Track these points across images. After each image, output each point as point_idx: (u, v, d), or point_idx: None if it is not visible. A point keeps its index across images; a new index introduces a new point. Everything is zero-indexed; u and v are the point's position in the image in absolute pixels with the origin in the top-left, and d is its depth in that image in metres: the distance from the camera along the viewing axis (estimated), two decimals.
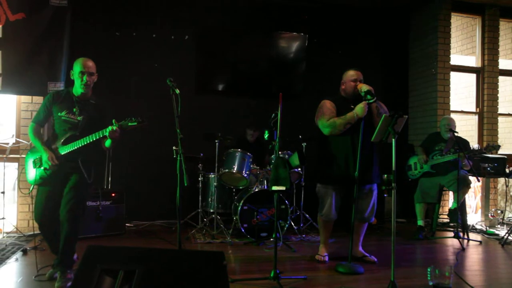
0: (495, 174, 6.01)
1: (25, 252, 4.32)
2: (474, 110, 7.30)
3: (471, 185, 5.64)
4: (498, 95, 7.19)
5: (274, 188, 3.53)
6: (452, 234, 5.42)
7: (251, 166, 5.33)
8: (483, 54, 7.21)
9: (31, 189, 3.79)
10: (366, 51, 7.18)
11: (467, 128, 7.64)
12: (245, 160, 5.27)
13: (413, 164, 5.83)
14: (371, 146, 4.06)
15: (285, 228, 5.13)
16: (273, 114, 3.86)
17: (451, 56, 6.95)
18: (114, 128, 3.31)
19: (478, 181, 5.45)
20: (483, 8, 7.14)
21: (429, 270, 3.22)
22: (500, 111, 7.24)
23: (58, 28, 5.18)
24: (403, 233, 5.69)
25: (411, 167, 5.86)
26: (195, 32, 6.33)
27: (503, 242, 5.24)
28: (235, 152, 5.32)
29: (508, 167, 6.15)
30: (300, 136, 5.46)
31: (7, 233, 5.04)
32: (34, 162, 3.56)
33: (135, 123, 3.34)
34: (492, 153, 5.80)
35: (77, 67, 3.50)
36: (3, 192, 4.93)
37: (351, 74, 4.19)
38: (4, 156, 4.98)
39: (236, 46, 6.50)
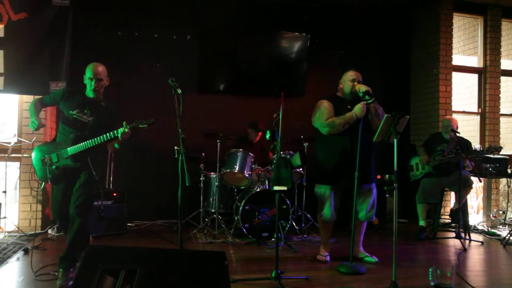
0: (497, 174, 6.00)
1: (26, 251, 4.32)
2: (476, 110, 7.29)
3: (473, 186, 5.63)
4: (500, 95, 7.18)
5: (276, 188, 3.53)
6: (453, 234, 5.41)
7: (253, 166, 5.33)
8: (485, 54, 7.20)
9: (42, 186, 3.92)
10: (368, 51, 7.17)
11: (469, 129, 7.63)
12: (246, 160, 5.27)
13: (415, 165, 5.82)
14: (369, 146, 4.09)
15: (287, 228, 5.13)
16: (275, 114, 3.86)
17: (453, 56, 6.94)
18: (126, 130, 3.41)
19: (480, 181, 5.44)
20: (485, 8, 7.13)
21: (430, 270, 3.22)
22: (502, 112, 7.23)
23: (60, 27, 5.18)
24: (404, 234, 5.69)
25: (413, 168, 5.85)
26: (197, 32, 6.33)
27: (504, 242, 5.23)
28: (237, 152, 5.32)
29: (510, 168, 6.14)
30: (302, 136, 5.46)
31: (8, 232, 5.04)
32: (43, 161, 3.63)
33: (146, 125, 3.44)
34: (494, 155, 5.79)
35: (87, 73, 3.66)
36: (4, 192, 4.93)
37: (350, 74, 4.21)
38: (6, 155, 4.98)
39: (238, 46, 6.50)
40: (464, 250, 4.93)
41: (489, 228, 6.19)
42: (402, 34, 7.42)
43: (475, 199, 7.00)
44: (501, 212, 6.61)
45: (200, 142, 5.52)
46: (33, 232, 5.20)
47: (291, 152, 5.19)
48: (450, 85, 6.87)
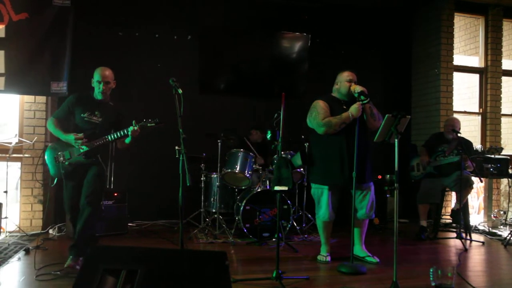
0: (498, 174, 5.99)
1: (27, 251, 4.33)
2: (477, 110, 7.28)
3: (474, 186, 5.62)
4: (501, 95, 7.17)
5: (277, 188, 3.54)
6: (454, 234, 5.41)
7: (254, 166, 5.33)
8: (486, 55, 7.19)
9: (55, 182, 4.04)
10: (369, 51, 7.18)
11: (470, 129, 7.62)
12: (247, 160, 5.28)
13: (416, 165, 5.82)
14: (364, 145, 4.12)
15: (287, 228, 5.14)
16: (276, 114, 3.86)
17: (454, 56, 6.93)
18: (136, 128, 3.69)
19: (481, 181, 5.44)
20: (486, 8, 7.12)
21: (431, 270, 3.23)
22: (503, 112, 7.21)
23: (61, 28, 5.18)
24: (405, 234, 5.69)
25: (414, 168, 5.85)
26: (197, 32, 6.33)
27: (505, 243, 5.23)
28: (238, 152, 5.33)
29: (511, 168, 6.13)
30: (303, 136, 5.45)
31: (9, 232, 5.05)
32: (56, 159, 3.88)
33: (153, 124, 3.72)
34: (494, 155, 5.79)
35: (95, 76, 3.92)
36: (6, 192, 4.94)
37: (346, 74, 4.25)
38: (7, 155, 4.99)
39: (238, 46, 6.50)
40: (465, 250, 4.92)
41: (490, 229, 6.19)
42: (403, 34, 7.42)
43: (476, 199, 7.00)
44: (502, 212, 6.60)
45: (201, 142, 5.52)
46: (34, 232, 5.21)
47: (292, 152, 5.20)
48: (451, 85, 6.86)
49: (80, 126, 3.89)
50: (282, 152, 4.12)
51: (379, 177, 6.31)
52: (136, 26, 6.17)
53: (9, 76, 5.01)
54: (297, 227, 5.47)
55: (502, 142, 7.20)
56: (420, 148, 5.90)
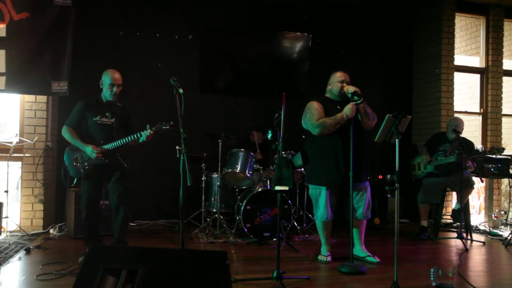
0: (498, 174, 5.98)
1: (28, 251, 4.33)
2: (478, 110, 7.28)
3: (475, 186, 5.62)
4: (502, 95, 7.16)
5: (277, 188, 3.54)
6: (455, 234, 5.40)
7: (254, 166, 5.33)
8: (487, 55, 7.19)
9: (74, 182, 4.29)
10: (370, 51, 7.17)
11: (470, 129, 7.61)
12: (248, 160, 5.28)
13: (417, 164, 5.81)
14: (360, 145, 4.15)
15: (288, 228, 5.13)
16: (276, 114, 3.86)
17: (455, 56, 6.93)
18: (151, 132, 3.90)
19: (482, 181, 5.43)
20: (487, 8, 7.12)
21: (432, 270, 3.22)
22: (504, 112, 7.21)
23: (62, 27, 5.18)
24: (406, 234, 5.69)
25: (415, 167, 5.84)
26: (198, 32, 6.33)
27: (506, 243, 5.22)
28: (238, 152, 5.33)
29: None
30: (303, 136, 5.44)
31: (10, 232, 5.05)
32: (75, 160, 4.10)
33: (168, 127, 3.88)
34: (496, 156, 5.78)
35: (107, 79, 4.08)
36: (6, 191, 4.94)
37: (338, 75, 4.28)
38: (8, 155, 4.99)
39: (239, 46, 6.50)
40: (465, 250, 4.92)
41: (491, 229, 6.18)
42: (403, 34, 7.41)
43: (476, 199, 7.00)
44: (502, 212, 6.59)
45: (201, 142, 5.52)
46: (35, 232, 5.22)
47: (292, 152, 5.20)
48: (452, 85, 6.86)
49: (94, 129, 4.07)
50: (283, 152, 4.12)
51: (380, 177, 6.31)
52: (137, 25, 6.17)
53: (9, 76, 5.01)
54: (298, 227, 5.47)
55: (502, 142, 7.19)
56: (421, 146, 5.89)
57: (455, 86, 6.89)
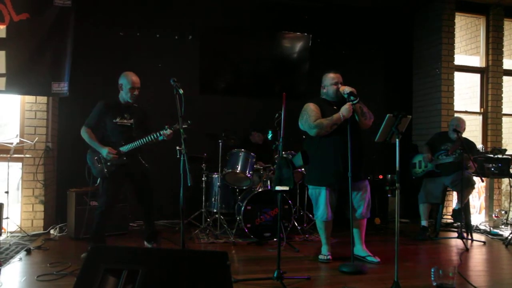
0: (499, 174, 5.98)
1: (28, 251, 4.33)
2: (478, 110, 7.27)
3: (475, 186, 5.62)
4: (503, 95, 7.16)
5: (278, 188, 3.54)
6: (455, 234, 5.40)
7: (255, 166, 5.33)
8: (487, 54, 7.19)
9: (98, 181, 4.38)
10: (370, 51, 7.17)
11: (471, 129, 7.60)
12: (248, 160, 5.28)
13: (418, 163, 5.81)
14: (358, 145, 4.17)
15: (289, 228, 5.13)
16: (277, 114, 3.86)
17: (455, 56, 6.92)
18: (170, 131, 4.07)
19: (482, 181, 5.43)
20: (487, 8, 7.12)
21: (432, 270, 3.22)
22: (504, 111, 7.20)
23: (62, 28, 5.17)
24: (406, 233, 5.68)
25: (415, 165, 5.84)
26: (198, 32, 6.33)
27: (507, 242, 5.22)
28: (239, 152, 5.33)
29: None
30: (304, 136, 5.44)
31: (11, 232, 5.05)
32: (98, 160, 4.25)
33: (186, 126, 3.89)
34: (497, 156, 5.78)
35: (126, 83, 4.27)
36: (7, 192, 4.94)
37: (331, 77, 4.30)
38: (8, 156, 4.99)
39: (239, 46, 6.50)
40: (466, 250, 4.92)
41: (491, 228, 6.18)
42: (404, 33, 7.41)
43: (477, 199, 6.99)
44: (503, 212, 6.59)
45: (202, 142, 5.52)
46: (35, 233, 5.21)
47: (293, 152, 5.20)
48: (452, 85, 6.86)
49: (114, 130, 4.24)
50: (283, 152, 4.11)
51: (380, 177, 6.31)
52: (137, 26, 6.17)
53: (10, 76, 5.01)
54: (298, 227, 5.47)
55: (503, 141, 7.19)
56: (423, 145, 5.89)
57: (455, 85, 6.88)
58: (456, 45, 6.99)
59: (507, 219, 6.50)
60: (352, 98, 4.03)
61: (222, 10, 6.46)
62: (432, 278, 3.22)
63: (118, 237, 5.16)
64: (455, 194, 6.24)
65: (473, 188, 5.53)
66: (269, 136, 4.57)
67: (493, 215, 6.54)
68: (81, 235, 4.94)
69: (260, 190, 5.11)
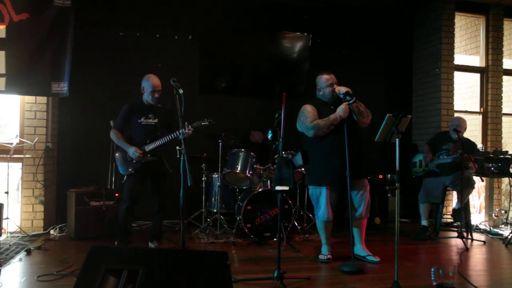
0: (499, 174, 5.98)
1: (29, 252, 4.33)
2: (478, 110, 7.27)
3: (475, 185, 5.62)
4: (502, 94, 7.16)
5: (278, 188, 3.54)
6: (455, 234, 5.40)
7: (255, 166, 5.33)
8: (487, 54, 7.19)
9: (124, 179, 4.60)
10: (370, 51, 7.17)
11: (471, 128, 7.58)
12: (248, 160, 5.27)
13: (418, 162, 5.81)
14: (357, 144, 4.19)
15: (289, 228, 5.13)
16: (277, 114, 3.86)
17: (455, 55, 6.92)
18: (190, 129, 4.15)
19: (482, 181, 5.43)
20: (487, 8, 7.12)
21: (432, 270, 3.22)
22: (504, 111, 7.20)
23: (62, 28, 5.17)
24: (406, 233, 5.68)
25: (416, 165, 5.84)
26: (198, 32, 6.33)
27: (507, 242, 5.22)
28: (239, 152, 5.33)
29: None
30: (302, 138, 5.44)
31: (11, 233, 5.05)
32: (124, 158, 4.50)
33: (207, 123, 4.17)
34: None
35: (148, 86, 4.43)
36: (7, 192, 4.94)
37: (326, 79, 4.29)
38: (8, 156, 4.99)
39: (239, 46, 6.50)
40: (466, 249, 4.92)
41: (491, 228, 6.18)
42: (404, 33, 7.41)
43: (477, 198, 6.99)
44: (503, 211, 6.59)
45: (201, 142, 5.51)
46: (35, 233, 5.21)
47: (293, 152, 5.20)
48: (452, 84, 6.86)
49: (140, 130, 4.46)
50: (283, 152, 4.12)
51: (380, 176, 6.31)
52: (137, 26, 6.17)
53: (9, 77, 5.01)
54: (298, 227, 5.47)
55: (503, 141, 7.20)
56: (424, 144, 5.88)
57: (455, 85, 6.88)
58: (456, 44, 6.99)
59: (507, 219, 6.50)
60: (348, 98, 4.05)
61: (222, 10, 6.46)
62: (432, 278, 3.21)
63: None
64: (455, 193, 6.24)
65: (473, 187, 5.53)
66: (269, 136, 4.57)
67: (493, 214, 6.54)
68: (89, 234, 5.03)
69: (260, 190, 5.11)
